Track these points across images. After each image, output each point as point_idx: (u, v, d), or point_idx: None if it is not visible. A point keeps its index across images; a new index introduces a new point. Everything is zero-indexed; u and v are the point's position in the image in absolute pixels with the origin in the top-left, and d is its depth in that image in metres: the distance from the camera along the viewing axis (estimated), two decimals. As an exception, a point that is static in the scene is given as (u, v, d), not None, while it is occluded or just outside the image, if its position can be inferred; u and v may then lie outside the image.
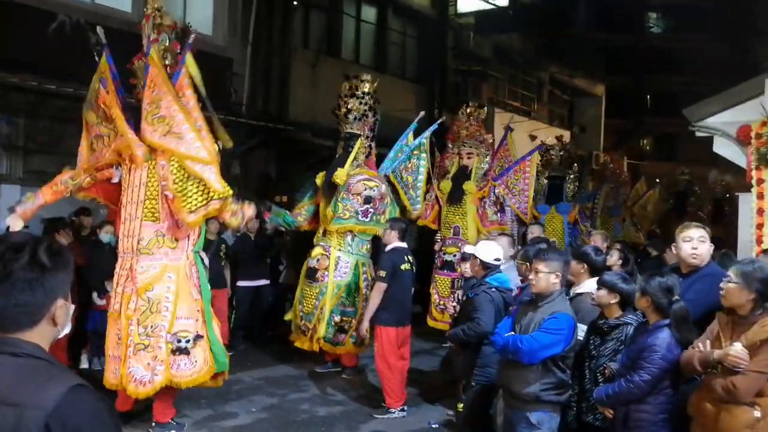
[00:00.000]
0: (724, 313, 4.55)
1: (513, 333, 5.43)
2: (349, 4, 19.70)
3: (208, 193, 6.98)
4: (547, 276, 5.31)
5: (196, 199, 6.96)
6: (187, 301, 7.17)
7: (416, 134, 11.31)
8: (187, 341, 7.07)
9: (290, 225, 10.83)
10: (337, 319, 9.86)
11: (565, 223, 14.88)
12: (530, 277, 5.52)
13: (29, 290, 2.08)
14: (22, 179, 11.70)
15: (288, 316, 10.55)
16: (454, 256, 11.93)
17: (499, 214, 12.11)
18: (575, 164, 16.47)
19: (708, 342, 4.52)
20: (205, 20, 15.14)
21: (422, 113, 11.73)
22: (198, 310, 7.24)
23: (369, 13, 20.57)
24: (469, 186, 12.12)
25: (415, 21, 21.99)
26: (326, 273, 9.97)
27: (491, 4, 21.51)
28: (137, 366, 6.94)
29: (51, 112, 11.78)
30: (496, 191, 12.22)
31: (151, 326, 6.98)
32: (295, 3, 16.63)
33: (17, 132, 11.78)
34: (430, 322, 12.17)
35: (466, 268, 7.72)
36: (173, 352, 7.01)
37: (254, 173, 15.83)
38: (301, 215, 10.77)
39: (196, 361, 7.13)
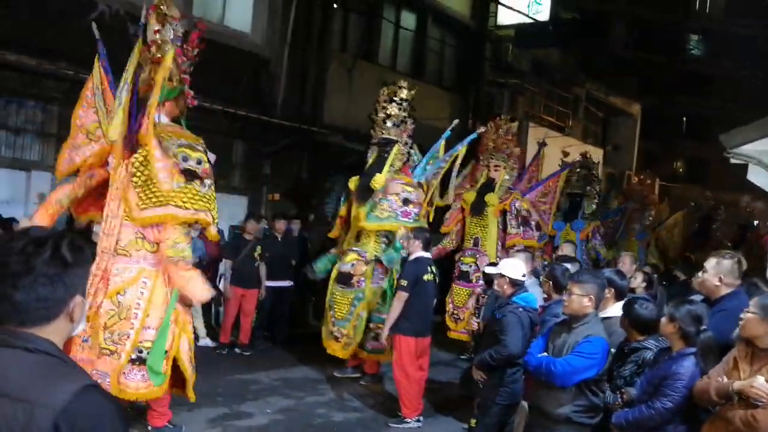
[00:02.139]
0: (743, 343, 4.46)
1: (546, 354, 5.40)
2: (388, 9, 19.69)
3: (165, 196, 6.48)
4: (579, 298, 5.27)
5: (150, 199, 6.48)
6: (159, 310, 6.66)
7: (448, 144, 11.23)
8: (148, 352, 6.57)
9: (335, 262, 10.56)
10: (372, 325, 9.76)
11: (578, 239, 14.84)
12: (564, 298, 5.47)
13: (50, 285, 2.08)
14: (53, 167, 11.76)
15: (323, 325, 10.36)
16: (470, 266, 11.91)
17: (521, 228, 12.00)
18: (596, 182, 16.38)
19: (723, 372, 4.44)
20: (244, 19, 15.22)
21: (456, 121, 11.60)
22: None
23: (408, 19, 20.55)
24: (491, 198, 12.06)
25: (454, 30, 21.97)
26: (362, 279, 9.85)
27: (531, 18, 21.46)
28: (103, 370, 6.47)
29: (86, 101, 11.87)
30: (517, 204, 12.10)
31: (118, 333, 6.49)
32: (335, 6, 16.67)
33: (51, 119, 11.89)
34: (449, 332, 12.11)
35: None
36: (131, 361, 6.52)
37: (285, 174, 15.86)
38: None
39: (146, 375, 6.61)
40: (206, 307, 11.67)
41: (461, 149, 11.01)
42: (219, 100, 13.27)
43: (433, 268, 8.73)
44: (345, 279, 9.96)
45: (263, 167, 15.46)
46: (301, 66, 15.99)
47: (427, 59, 21.11)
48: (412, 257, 8.77)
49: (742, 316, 4.40)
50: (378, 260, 9.93)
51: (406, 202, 9.93)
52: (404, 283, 8.45)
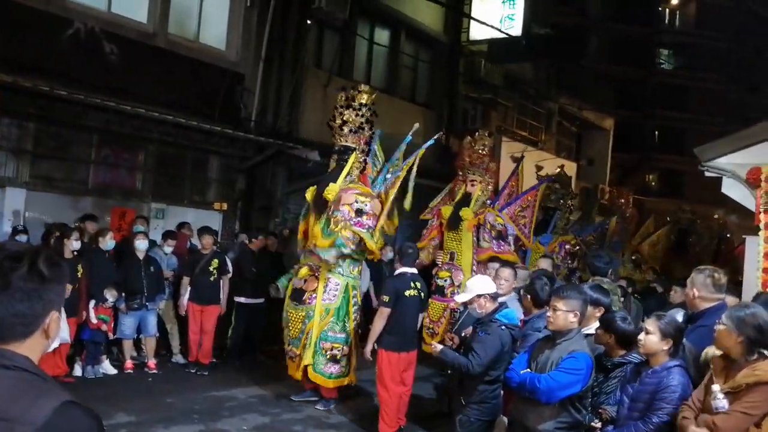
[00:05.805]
0: (719, 358, 4.50)
1: (529, 370, 5.37)
2: (362, 26, 19.74)
3: None
4: (565, 314, 5.24)
5: None
6: None
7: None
8: None
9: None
10: (327, 345, 9.29)
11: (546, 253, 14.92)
12: (548, 314, 5.44)
13: (27, 300, 2.04)
14: (28, 183, 11.70)
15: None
16: (445, 281, 11.89)
17: (494, 242, 11.95)
18: (569, 196, 16.48)
19: (701, 392, 4.48)
20: (219, 35, 15.20)
21: (416, 125, 10.93)
22: None
23: (382, 35, 20.62)
24: (466, 212, 12.01)
25: (427, 46, 22.08)
26: (314, 295, 9.40)
27: (504, 33, 21.55)
28: None
29: (61, 118, 11.80)
30: (491, 219, 12.04)
31: None
32: (309, 22, 16.66)
33: (26, 136, 11.78)
34: (423, 346, 12.06)
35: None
36: None
37: (260, 189, 15.82)
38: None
39: None
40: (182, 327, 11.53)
41: (414, 158, 10.51)
42: (194, 115, 13.24)
43: (418, 284, 8.66)
44: (297, 295, 9.55)
45: (238, 182, 15.41)
46: (275, 82, 15.97)
47: (401, 74, 21.18)
48: (395, 273, 8.77)
49: (715, 328, 4.44)
50: (331, 276, 9.52)
51: (359, 212, 9.44)
52: (385, 299, 8.42)
